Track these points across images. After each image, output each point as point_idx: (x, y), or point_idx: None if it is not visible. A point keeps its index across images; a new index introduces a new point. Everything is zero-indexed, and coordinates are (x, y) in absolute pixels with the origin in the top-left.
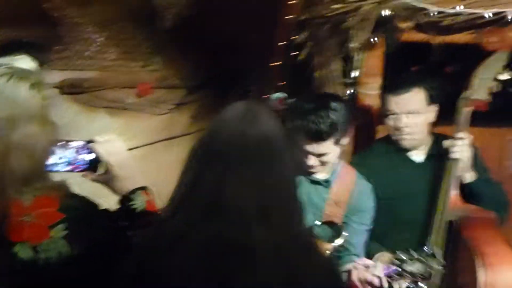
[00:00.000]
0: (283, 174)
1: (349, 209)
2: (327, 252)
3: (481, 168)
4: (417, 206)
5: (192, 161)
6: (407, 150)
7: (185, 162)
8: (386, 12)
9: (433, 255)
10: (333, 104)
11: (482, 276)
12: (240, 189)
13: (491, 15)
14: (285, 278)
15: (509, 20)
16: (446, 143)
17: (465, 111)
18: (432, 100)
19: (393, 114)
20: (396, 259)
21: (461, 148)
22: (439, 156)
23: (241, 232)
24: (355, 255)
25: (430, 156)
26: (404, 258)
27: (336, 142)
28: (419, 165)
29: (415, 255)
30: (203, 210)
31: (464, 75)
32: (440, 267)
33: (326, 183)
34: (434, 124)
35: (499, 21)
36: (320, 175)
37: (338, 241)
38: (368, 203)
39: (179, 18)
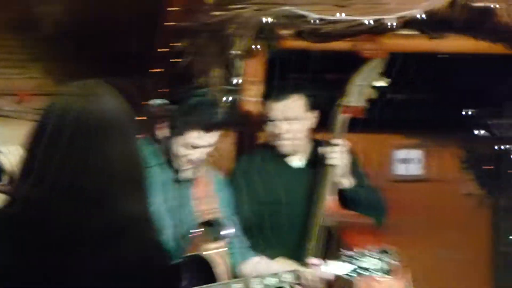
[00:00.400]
0: (125, 155)
1: (218, 202)
2: (219, 250)
3: (360, 174)
4: (297, 211)
5: (33, 141)
6: (287, 156)
7: (27, 142)
8: (266, 19)
9: (385, 251)
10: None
11: (357, 280)
12: (78, 168)
13: (371, 22)
14: (114, 265)
15: (388, 27)
16: (322, 149)
17: (342, 118)
18: (311, 106)
19: (273, 120)
20: (346, 256)
21: (337, 154)
22: (318, 162)
23: (80, 212)
24: (247, 247)
25: (309, 162)
26: (355, 255)
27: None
28: (299, 170)
29: (366, 252)
30: (43, 190)
31: (343, 82)
32: (397, 262)
33: (188, 182)
34: (315, 130)
35: (378, 28)
36: (188, 174)
37: (224, 234)
38: (229, 194)
39: (58, 26)
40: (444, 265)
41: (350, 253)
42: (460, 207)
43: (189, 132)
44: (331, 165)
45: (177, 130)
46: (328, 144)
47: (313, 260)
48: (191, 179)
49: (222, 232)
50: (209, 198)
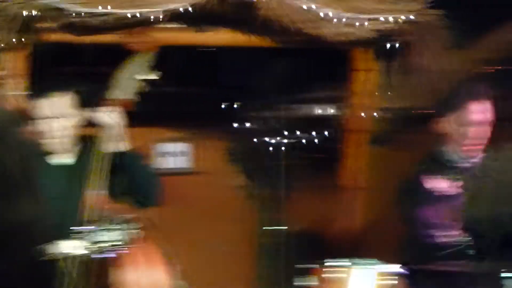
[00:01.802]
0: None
1: None
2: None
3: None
4: (68, 208)
5: None
6: (55, 153)
7: None
8: (30, 13)
9: (125, 221)
10: None
11: (115, 274)
12: None
13: (137, 15)
14: None
15: (154, 21)
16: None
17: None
18: (80, 103)
19: (40, 117)
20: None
21: (109, 116)
22: (88, 159)
23: None
24: None
25: (79, 159)
26: (87, 230)
27: None
28: (67, 168)
29: (101, 226)
30: None
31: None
32: (137, 230)
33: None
34: (85, 126)
35: (145, 21)
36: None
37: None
38: None
39: None
40: (214, 257)
41: (80, 228)
42: (228, 199)
43: None
44: (102, 153)
45: None
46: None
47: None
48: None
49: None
50: None
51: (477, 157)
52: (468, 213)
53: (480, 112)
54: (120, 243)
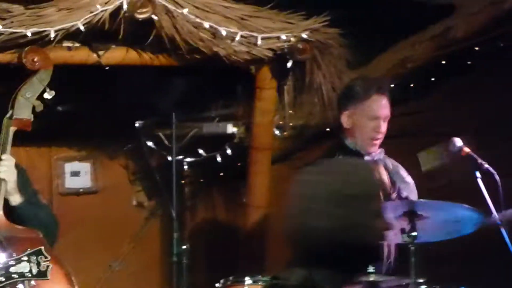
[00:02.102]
0: None
1: None
2: None
3: (29, 190)
4: None
5: None
6: None
7: None
8: None
9: (33, 253)
10: None
11: None
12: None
13: (29, 34)
14: None
15: (50, 39)
16: None
17: (9, 131)
18: None
19: None
20: None
21: (5, 169)
22: None
23: None
24: None
25: None
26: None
27: None
28: None
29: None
30: None
31: (10, 95)
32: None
33: None
34: None
35: (41, 40)
36: None
37: None
38: None
39: None
40: (117, 278)
41: None
42: (131, 219)
43: None
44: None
45: None
46: None
47: None
48: None
49: None
50: None
51: (376, 152)
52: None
53: (380, 106)
54: (28, 275)
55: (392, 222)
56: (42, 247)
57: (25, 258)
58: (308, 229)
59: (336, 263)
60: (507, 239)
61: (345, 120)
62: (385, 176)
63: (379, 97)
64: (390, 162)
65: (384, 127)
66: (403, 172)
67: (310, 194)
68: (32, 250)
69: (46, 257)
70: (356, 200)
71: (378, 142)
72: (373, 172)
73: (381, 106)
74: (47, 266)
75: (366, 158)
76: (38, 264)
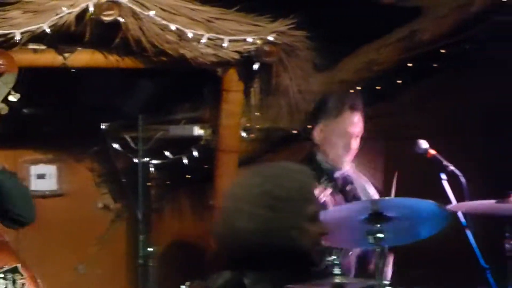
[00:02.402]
0: None
1: None
2: None
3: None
4: None
5: None
6: None
7: None
8: None
9: (10, 270)
10: None
11: None
12: None
13: None
14: None
15: (15, 42)
16: None
17: None
18: None
19: None
20: None
21: None
22: None
23: None
24: None
25: None
26: None
27: None
28: None
29: None
30: None
31: None
32: (24, 280)
33: None
34: None
35: (6, 42)
36: None
37: None
38: None
39: None
40: (83, 280)
41: None
42: (97, 221)
43: None
44: None
45: None
46: None
47: None
48: None
49: None
50: None
51: (346, 169)
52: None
53: (352, 124)
54: None
55: (327, 227)
56: (19, 265)
57: (1, 275)
58: (236, 230)
59: (267, 266)
60: (473, 242)
61: (316, 134)
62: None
63: (352, 114)
64: (359, 178)
65: (355, 144)
66: (371, 189)
67: (240, 195)
68: (8, 267)
69: (22, 275)
70: (288, 202)
71: (349, 159)
72: (310, 177)
73: (353, 124)
74: (23, 284)
75: (336, 174)
76: (14, 282)
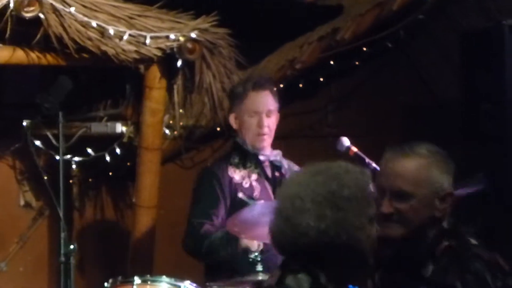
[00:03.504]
0: None
1: None
2: None
3: None
4: None
5: None
6: None
7: None
8: None
9: None
10: None
11: None
12: None
13: None
14: None
15: None
16: None
17: None
18: None
19: None
20: None
21: None
22: None
23: None
24: None
25: None
26: None
27: None
28: None
29: None
30: None
31: None
32: None
33: None
34: None
35: None
36: None
37: None
38: None
39: None
40: (5, 278)
41: None
42: (19, 219)
43: None
44: None
45: None
46: None
47: None
48: None
49: None
50: None
51: (272, 153)
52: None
53: (258, 102)
54: None
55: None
56: None
57: None
58: (304, 230)
59: (327, 265)
60: None
61: (232, 121)
62: None
63: (257, 92)
64: (288, 164)
65: (267, 121)
66: None
67: (304, 194)
68: None
69: None
70: (352, 202)
71: (266, 137)
72: (368, 178)
73: (259, 102)
74: None
75: (261, 157)
76: None
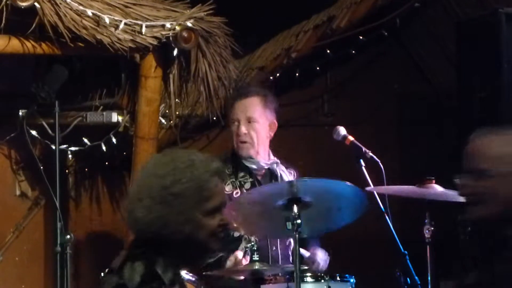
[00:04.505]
0: None
1: None
2: None
3: None
4: None
5: None
6: None
7: None
8: None
9: None
10: None
11: None
12: None
13: None
14: None
15: None
16: None
17: None
18: None
19: None
20: None
21: None
22: None
23: None
24: None
25: None
26: None
27: None
28: None
29: None
30: None
31: None
32: None
33: None
34: None
35: None
36: None
37: None
38: None
39: None
40: (1, 268)
41: None
42: (15, 209)
43: None
44: None
45: None
46: None
47: None
48: None
49: None
50: None
51: (268, 161)
52: None
53: (238, 110)
54: None
55: (227, 219)
56: None
57: None
58: (135, 220)
59: (167, 253)
60: (392, 228)
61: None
62: None
63: (240, 101)
64: (284, 173)
65: (247, 129)
66: None
67: (142, 184)
68: None
69: None
70: (183, 199)
71: (247, 145)
72: (214, 173)
73: (238, 109)
74: None
75: (253, 166)
76: None
